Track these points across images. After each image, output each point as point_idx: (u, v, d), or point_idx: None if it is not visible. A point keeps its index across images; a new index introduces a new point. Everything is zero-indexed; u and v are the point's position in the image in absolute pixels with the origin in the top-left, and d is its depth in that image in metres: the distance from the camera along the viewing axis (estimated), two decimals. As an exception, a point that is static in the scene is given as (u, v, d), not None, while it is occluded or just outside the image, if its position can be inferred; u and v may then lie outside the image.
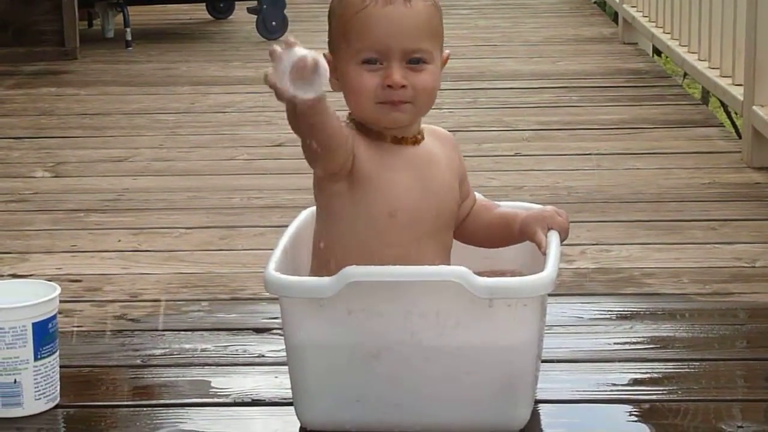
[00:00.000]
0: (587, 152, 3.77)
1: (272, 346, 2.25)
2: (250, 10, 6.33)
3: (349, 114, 1.96)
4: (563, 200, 3.20)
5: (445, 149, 2.02)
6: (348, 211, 1.91)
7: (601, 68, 5.24)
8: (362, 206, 1.91)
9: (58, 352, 2.02)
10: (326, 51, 1.95)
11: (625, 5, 5.95)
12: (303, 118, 1.77)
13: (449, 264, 1.98)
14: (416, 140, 1.97)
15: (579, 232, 2.86)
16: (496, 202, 2.12)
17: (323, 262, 1.94)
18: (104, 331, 2.38)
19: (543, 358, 2.00)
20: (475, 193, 2.11)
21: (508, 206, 2.11)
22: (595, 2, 7.63)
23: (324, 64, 1.71)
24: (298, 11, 6.71)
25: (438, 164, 1.98)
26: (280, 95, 1.71)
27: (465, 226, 2.07)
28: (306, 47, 1.71)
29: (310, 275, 1.95)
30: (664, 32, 5.12)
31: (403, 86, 1.89)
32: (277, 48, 1.71)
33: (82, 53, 5.75)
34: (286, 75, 1.69)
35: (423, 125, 2.01)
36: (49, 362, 2.00)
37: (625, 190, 3.34)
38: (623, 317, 2.42)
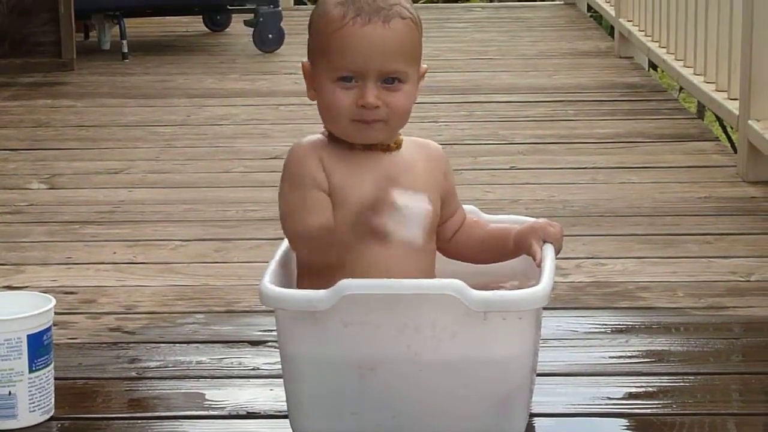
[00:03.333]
0: (583, 166, 3.78)
1: (267, 359, 2.25)
2: (246, 23, 6.34)
3: (325, 126, 1.98)
4: (559, 214, 3.20)
5: (428, 163, 2.01)
6: None
7: (597, 82, 5.25)
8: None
9: (53, 364, 2.02)
10: (305, 60, 1.96)
11: (621, 19, 5.96)
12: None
13: (431, 274, 1.99)
14: (387, 148, 1.97)
15: (574, 246, 2.86)
16: (488, 217, 2.12)
17: (302, 274, 1.96)
18: (99, 343, 2.38)
19: (538, 372, 2.00)
20: (471, 207, 2.11)
21: (499, 220, 2.11)
22: (591, 16, 7.65)
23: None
24: (294, 24, 6.72)
25: (413, 173, 1.97)
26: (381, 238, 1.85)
27: (456, 242, 2.07)
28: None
29: (297, 288, 1.95)
30: (660, 46, 5.13)
31: (377, 106, 1.90)
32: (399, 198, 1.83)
33: (78, 65, 5.76)
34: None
35: (415, 138, 2.02)
36: (44, 374, 2.00)
37: (620, 203, 3.35)
38: (618, 331, 2.42)
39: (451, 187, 2.05)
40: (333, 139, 1.96)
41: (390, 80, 1.91)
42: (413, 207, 1.88)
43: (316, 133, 2.00)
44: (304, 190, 1.91)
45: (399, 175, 1.95)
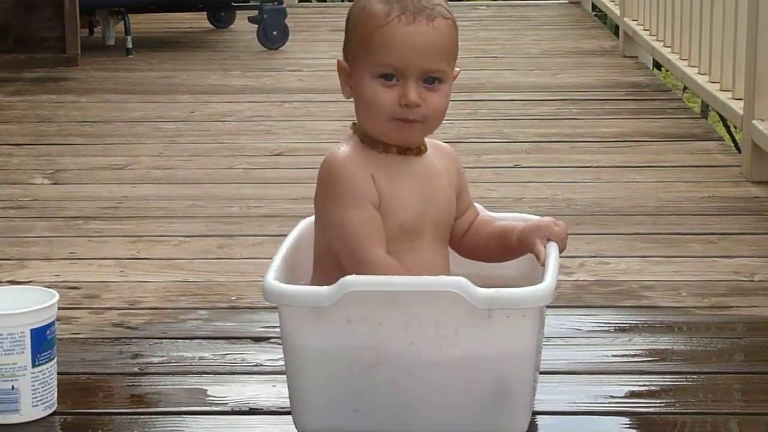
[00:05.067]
0: (587, 165, 3.77)
1: (270, 355, 2.25)
2: (251, 20, 6.34)
3: (354, 123, 1.97)
4: (562, 212, 3.20)
5: (445, 163, 2.03)
6: None
7: (601, 81, 5.24)
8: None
9: (56, 359, 2.02)
10: (340, 57, 1.96)
11: (625, 18, 5.96)
12: None
13: (448, 273, 1.99)
14: (420, 151, 1.98)
15: (578, 245, 2.86)
16: (495, 215, 2.12)
17: (326, 272, 1.95)
18: (102, 338, 2.38)
19: (541, 370, 2.00)
20: (477, 204, 2.12)
21: (506, 218, 2.12)
22: (595, 15, 7.64)
23: None
24: (298, 21, 6.71)
25: (438, 176, 2.00)
26: None
27: (466, 240, 2.08)
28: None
29: (311, 284, 1.95)
30: (664, 46, 5.12)
31: (419, 105, 1.90)
32: None
33: (82, 61, 5.75)
34: None
35: (427, 139, 2.03)
36: (47, 369, 2.00)
37: (624, 202, 3.34)
38: (621, 330, 2.42)
39: (463, 182, 2.07)
40: (366, 143, 1.95)
41: (430, 80, 1.92)
42: None
43: (342, 142, 1.97)
44: (363, 210, 1.89)
45: (430, 179, 1.97)
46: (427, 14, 1.90)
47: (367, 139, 1.95)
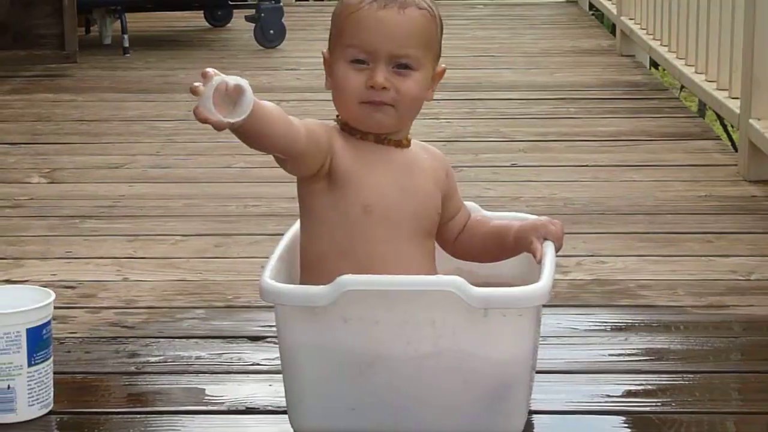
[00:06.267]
0: (584, 164, 3.77)
1: (267, 354, 2.25)
2: (248, 19, 6.33)
3: (337, 116, 1.98)
4: (560, 211, 3.20)
5: (433, 163, 2.03)
6: (325, 208, 1.93)
7: (598, 80, 5.24)
8: (339, 202, 1.92)
9: (52, 358, 2.02)
10: (325, 50, 1.97)
11: (623, 17, 5.96)
12: (246, 138, 1.81)
13: (433, 271, 1.99)
14: (400, 144, 1.98)
15: (575, 244, 2.86)
16: (490, 214, 2.12)
17: (304, 265, 1.96)
18: (99, 337, 2.38)
19: (538, 369, 1.99)
20: (472, 204, 2.12)
21: (502, 217, 2.12)
22: (593, 14, 7.64)
23: (245, 86, 1.74)
24: (295, 19, 6.71)
25: (421, 171, 1.99)
26: (215, 126, 1.72)
27: (461, 241, 2.08)
28: (231, 74, 1.74)
29: (300, 284, 1.95)
30: (661, 45, 5.12)
31: (385, 88, 1.91)
32: (197, 83, 1.72)
33: (79, 59, 5.75)
34: (210, 102, 1.70)
35: (417, 141, 2.03)
36: (43, 368, 2.00)
37: (621, 201, 3.34)
38: (618, 329, 2.42)
39: (453, 186, 2.06)
40: (346, 130, 1.96)
41: (402, 65, 1.92)
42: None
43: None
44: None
45: (410, 172, 1.96)
46: (400, 3, 1.93)
47: (346, 127, 1.96)
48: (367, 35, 1.91)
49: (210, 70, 1.72)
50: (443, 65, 2.01)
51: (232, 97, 1.74)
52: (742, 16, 3.70)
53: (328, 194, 1.93)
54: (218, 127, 1.73)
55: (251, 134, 1.80)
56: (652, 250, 2.91)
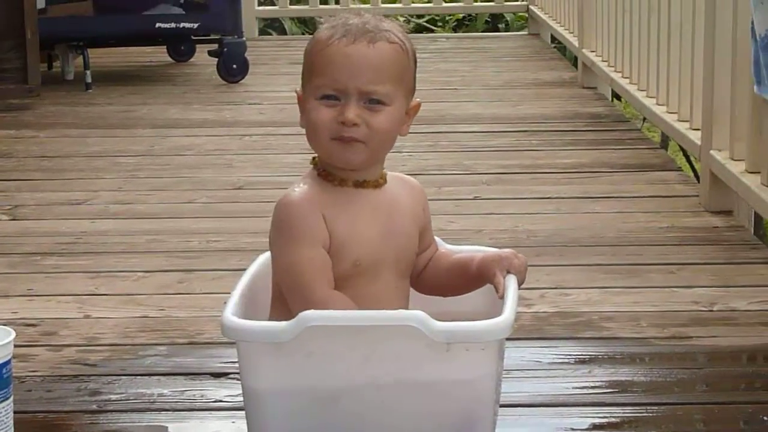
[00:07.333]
0: (547, 196, 3.78)
1: (230, 391, 2.24)
2: (211, 53, 6.33)
3: (314, 158, 1.97)
4: (523, 244, 3.21)
5: (410, 198, 2.02)
6: None
7: (560, 112, 5.27)
8: (334, 262, 1.91)
9: (12, 398, 2.00)
10: (298, 88, 1.97)
11: (584, 50, 5.99)
12: None
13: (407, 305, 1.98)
14: (378, 184, 1.98)
15: (538, 276, 2.86)
16: (453, 248, 2.11)
17: (285, 308, 1.94)
18: (60, 375, 2.36)
19: (501, 402, 1.99)
20: (436, 238, 2.11)
21: (466, 250, 2.11)
22: (555, 47, 7.68)
23: None
24: (258, 54, 6.70)
25: (400, 212, 1.99)
26: None
27: (425, 276, 2.07)
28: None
29: (269, 319, 1.94)
30: (623, 77, 5.15)
31: (355, 124, 1.90)
32: None
33: (42, 95, 5.73)
34: None
35: (391, 172, 2.02)
36: (3, 408, 1.97)
37: (584, 233, 3.35)
38: (582, 361, 2.42)
39: (428, 219, 2.06)
40: (323, 176, 1.95)
41: (374, 101, 1.91)
42: None
43: (300, 178, 1.97)
44: (311, 251, 1.89)
45: (391, 215, 1.96)
46: (370, 37, 1.91)
47: (324, 172, 1.95)
48: (337, 72, 1.90)
49: None
50: (417, 99, 2.00)
51: None
52: (701, 47, 3.73)
53: None
54: None
55: None
56: (615, 281, 2.92)
